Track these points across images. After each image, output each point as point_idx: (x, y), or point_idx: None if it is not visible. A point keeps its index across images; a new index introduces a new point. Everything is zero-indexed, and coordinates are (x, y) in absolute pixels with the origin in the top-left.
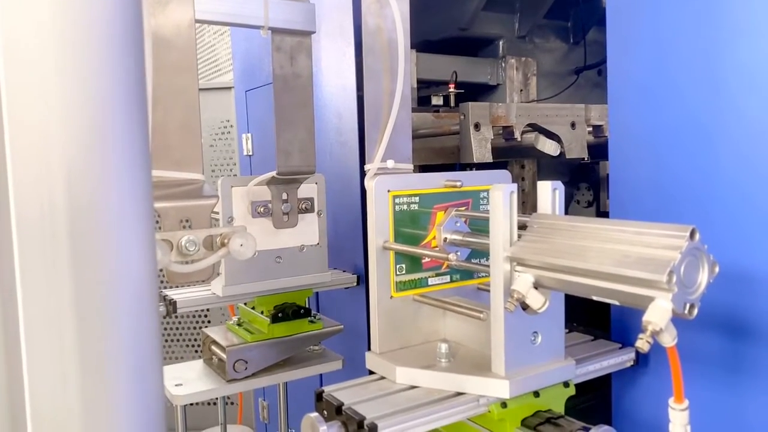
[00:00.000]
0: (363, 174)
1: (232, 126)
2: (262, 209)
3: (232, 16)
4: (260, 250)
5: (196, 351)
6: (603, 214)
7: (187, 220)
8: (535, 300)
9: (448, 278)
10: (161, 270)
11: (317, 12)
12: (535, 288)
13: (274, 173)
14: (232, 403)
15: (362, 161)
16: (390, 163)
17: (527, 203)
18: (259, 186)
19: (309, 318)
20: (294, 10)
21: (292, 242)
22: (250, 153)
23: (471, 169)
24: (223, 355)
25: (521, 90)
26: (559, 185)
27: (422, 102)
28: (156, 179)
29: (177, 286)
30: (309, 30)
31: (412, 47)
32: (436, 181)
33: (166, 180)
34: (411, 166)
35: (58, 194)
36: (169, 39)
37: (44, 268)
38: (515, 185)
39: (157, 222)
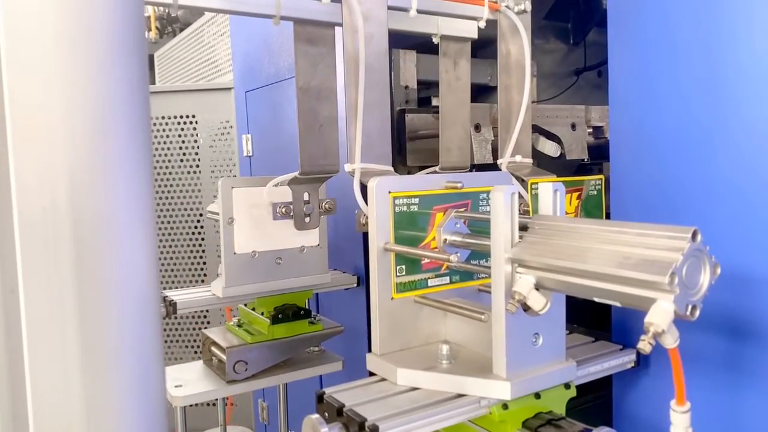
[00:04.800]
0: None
1: (231, 127)
2: (283, 210)
3: (411, 24)
4: (277, 250)
5: (196, 352)
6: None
7: None
8: (537, 301)
9: (447, 279)
10: None
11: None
12: (537, 289)
13: (296, 174)
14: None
15: None
16: (518, 158)
17: None
18: (281, 186)
19: (309, 319)
20: (461, 20)
21: (310, 241)
22: (250, 154)
23: (472, 170)
24: (223, 356)
25: None
26: (561, 186)
27: (422, 103)
28: (364, 169)
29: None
30: (470, 37)
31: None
32: (437, 182)
33: (372, 170)
34: (530, 160)
35: (61, 196)
36: (372, 65)
37: (46, 269)
38: (516, 187)
39: None
